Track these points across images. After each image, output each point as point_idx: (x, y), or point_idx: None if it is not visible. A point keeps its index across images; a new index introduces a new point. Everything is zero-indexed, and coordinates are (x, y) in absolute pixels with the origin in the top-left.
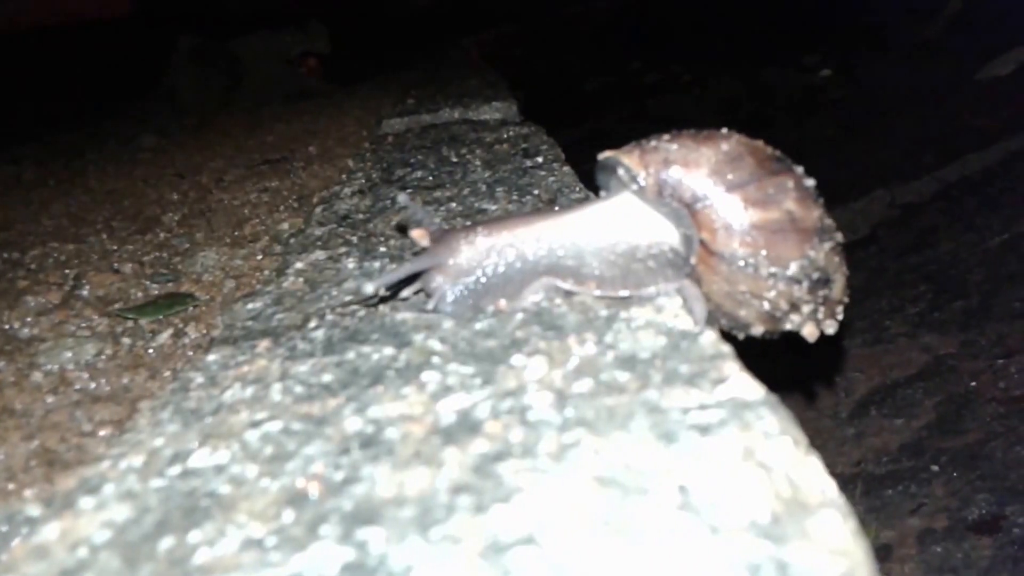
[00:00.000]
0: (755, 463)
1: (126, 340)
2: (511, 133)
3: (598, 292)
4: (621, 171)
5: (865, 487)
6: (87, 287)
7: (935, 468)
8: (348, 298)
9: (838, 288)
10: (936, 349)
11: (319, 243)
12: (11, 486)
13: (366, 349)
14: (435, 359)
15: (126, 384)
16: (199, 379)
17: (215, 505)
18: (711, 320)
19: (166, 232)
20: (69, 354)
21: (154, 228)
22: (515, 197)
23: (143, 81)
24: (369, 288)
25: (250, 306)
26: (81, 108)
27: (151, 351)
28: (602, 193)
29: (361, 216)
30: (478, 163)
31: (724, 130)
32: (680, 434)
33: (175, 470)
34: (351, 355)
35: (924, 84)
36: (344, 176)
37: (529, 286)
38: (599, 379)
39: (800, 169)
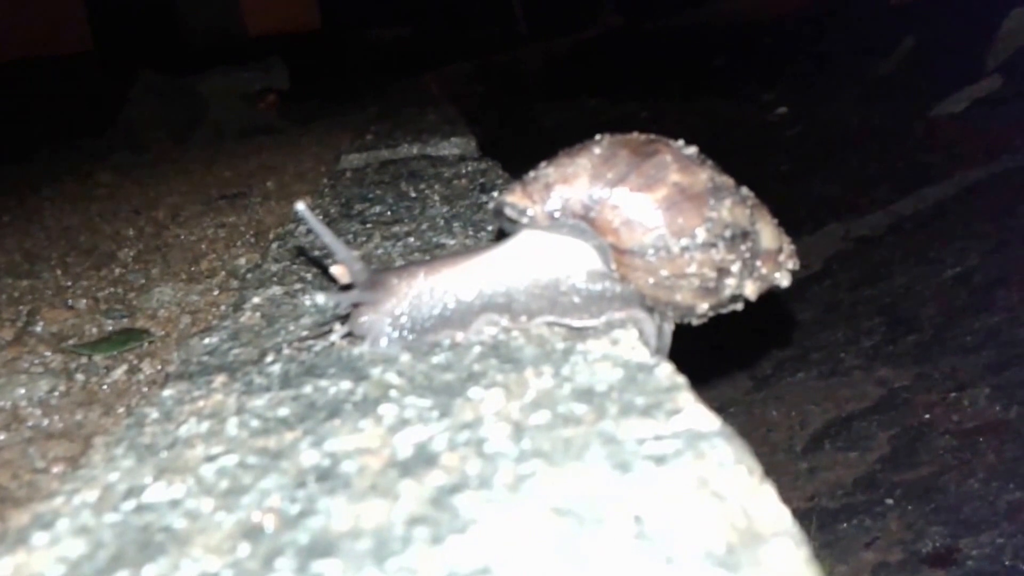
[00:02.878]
0: (710, 492)
1: (80, 376)
2: (469, 168)
3: (536, 321)
4: (508, 210)
5: (820, 522)
6: (41, 323)
7: (889, 501)
8: (305, 333)
9: (766, 237)
10: (890, 382)
11: (276, 278)
12: None
13: (323, 383)
14: (392, 392)
15: (79, 420)
16: (154, 414)
17: (170, 539)
18: (660, 316)
19: (121, 268)
20: (22, 391)
21: (109, 264)
22: (472, 232)
23: (101, 116)
24: (320, 299)
25: (206, 341)
26: (37, 143)
27: (105, 387)
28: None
29: (318, 252)
30: (436, 198)
31: (597, 136)
32: (635, 464)
33: (129, 505)
34: (308, 389)
35: (878, 121)
36: None
37: (472, 324)
38: (556, 411)
39: (679, 142)
